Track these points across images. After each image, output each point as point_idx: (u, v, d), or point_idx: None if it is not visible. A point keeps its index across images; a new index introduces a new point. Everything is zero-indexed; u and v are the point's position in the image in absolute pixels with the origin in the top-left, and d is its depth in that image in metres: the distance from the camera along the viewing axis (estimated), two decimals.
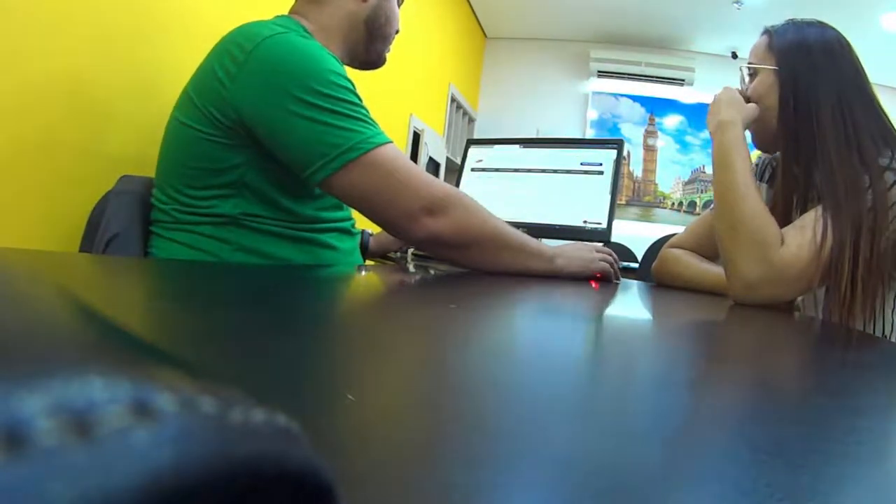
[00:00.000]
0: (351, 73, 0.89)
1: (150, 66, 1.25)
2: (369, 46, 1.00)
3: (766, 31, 0.97)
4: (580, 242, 1.01)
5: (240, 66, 0.79)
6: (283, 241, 0.86)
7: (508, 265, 0.88)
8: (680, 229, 1.24)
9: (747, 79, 0.97)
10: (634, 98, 4.71)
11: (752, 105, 0.91)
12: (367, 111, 0.83)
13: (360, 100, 0.82)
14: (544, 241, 0.98)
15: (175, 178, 0.85)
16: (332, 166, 0.78)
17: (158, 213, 0.87)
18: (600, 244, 1.06)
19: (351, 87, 0.82)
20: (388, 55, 1.05)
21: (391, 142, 0.82)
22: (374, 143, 0.79)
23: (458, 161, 1.44)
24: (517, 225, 1.00)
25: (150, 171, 0.96)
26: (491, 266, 0.87)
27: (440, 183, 0.86)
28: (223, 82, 0.80)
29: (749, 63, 0.97)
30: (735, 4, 3.70)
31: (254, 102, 0.79)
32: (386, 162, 0.80)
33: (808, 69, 0.89)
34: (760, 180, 1.08)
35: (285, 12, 0.98)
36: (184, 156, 0.85)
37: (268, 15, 0.96)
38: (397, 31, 1.04)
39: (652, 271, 1.13)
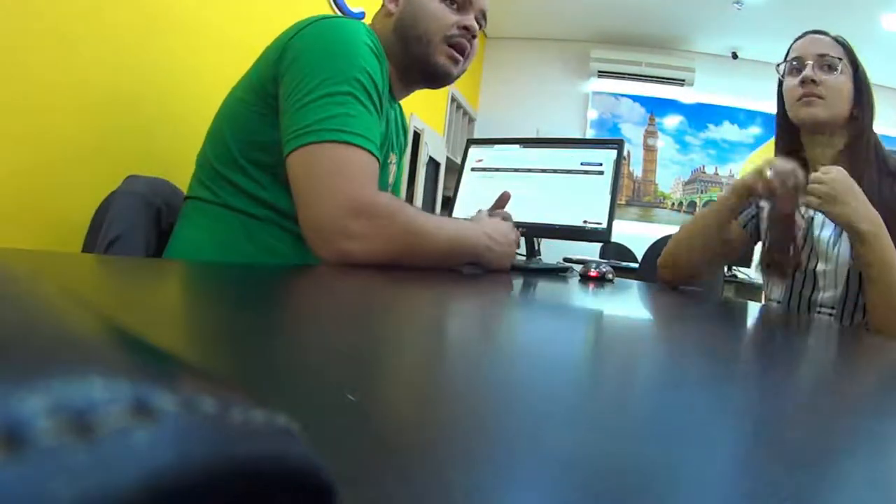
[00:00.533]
0: None
1: (155, 66, 1.25)
2: (409, 54, 0.92)
3: (838, 39, 1.03)
4: (504, 228, 0.94)
5: (289, 38, 0.82)
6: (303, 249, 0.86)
7: (436, 266, 0.84)
8: None
9: (827, 68, 1.00)
10: (634, 98, 4.71)
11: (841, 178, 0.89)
12: (370, 115, 0.78)
13: (368, 100, 0.79)
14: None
15: (220, 152, 0.86)
16: (295, 142, 0.74)
17: (200, 188, 0.88)
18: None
19: (367, 83, 0.79)
20: (451, 65, 0.93)
21: (365, 149, 0.75)
22: (340, 139, 0.73)
23: (458, 161, 1.44)
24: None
25: (156, 172, 0.96)
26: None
27: (371, 199, 0.74)
28: (277, 53, 0.82)
29: (837, 56, 1.00)
30: (735, 4, 3.70)
31: (285, 70, 0.80)
32: (339, 158, 0.73)
33: (869, 98, 1.01)
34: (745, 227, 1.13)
35: (286, 16, 0.98)
36: (229, 128, 0.86)
37: (271, 17, 0.96)
38: (457, 33, 0.92)
39: (659, 263, 1.13)
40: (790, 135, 1.07)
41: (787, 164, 0.93)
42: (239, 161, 0.85)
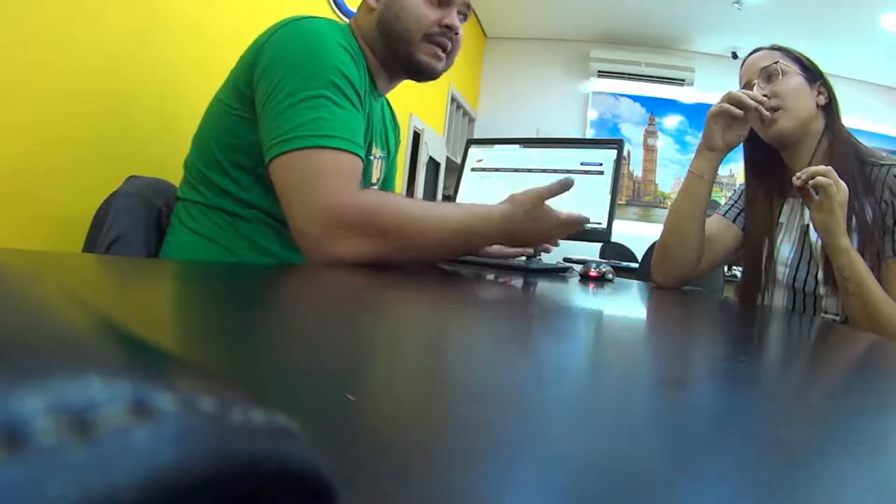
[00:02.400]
0: None
1: (156, 68, 1.25)
2: (392, 50, 0.91)
3: (775, 47, 1.04)
4: (541, 214, 0.85)
5: (263, 42, 0.82)
6: (291, 247, 0.87)
7: (441, 258, 0.84)
8: None
9: (769, 78, 1.01)
10: (634, 98, 4.71)
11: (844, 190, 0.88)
12: (347, 113, 0.78)
13: (344, 99, 0.78)
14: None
15: (204, 155, 0.87)
16: (272, 151, 0.75)
17: (189, 190, 0.88)
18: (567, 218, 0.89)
19: (341, 82, 0.79)
20: (435, 62, 0.92)
21: (342, 150, 0.75)
22: (316, 144, 0.73)
23: (458, 161, 1.44)
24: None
25: (156, 172, 0.97)
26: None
27: (351, 200, 0.74)
28: (252, 58, 0.82)
29: (775, 61, 1.01)
30: (735, 4, 3.70)
31: (259, 76, 0.80)
32: (313, 165, 0.73)
33: (825, 80, 1.01)
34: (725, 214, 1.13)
35: (283, 17, 0.98)
36: (211, 131, 0.87)
37: (272, 18, 0.96)
38: (438, 31, 0.91)
39: (652, 267, 1.12)
40: (762, 152, 1.06)
41: (738, 92, 0.96)
42: (221, 163, 0.86)
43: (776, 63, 1.00)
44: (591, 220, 0.93)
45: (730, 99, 0.97)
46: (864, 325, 0.89)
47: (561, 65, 4.73)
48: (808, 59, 1.03)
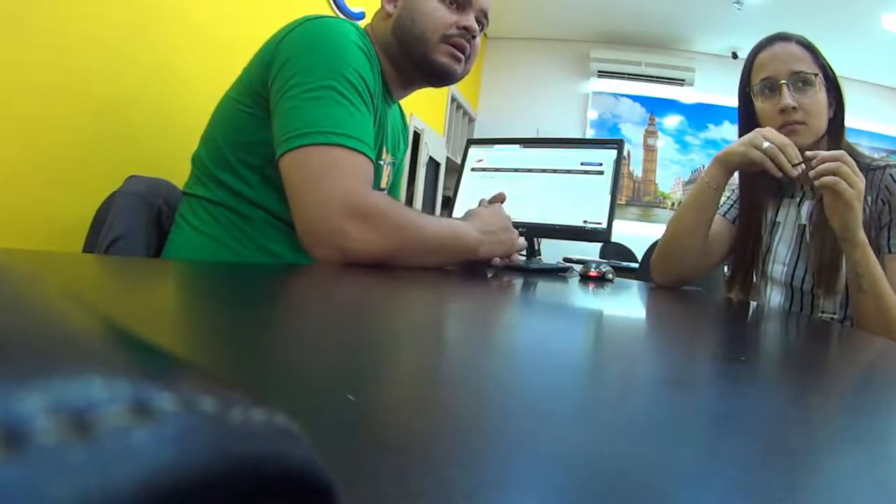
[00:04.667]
0: None
1: (156, 67, 1.25)
2: (409, 55, 0.91)
3: (803, 43, 0.97)
4: (493, 216, 0.95)
5: (280, 39, 0.82)
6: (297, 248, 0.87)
7: (433, 264, 0.85)
8: None
9: (800, 86, 0.95)
10: (634, 98, 4.71)
11: (858, 184, 0.84)
12: (360, 115, 0.79)
13: (358, 100, 0.79)
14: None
15: (212, 152, 0.87)
16: (289, 143, 0.75)
17: (196, 185, 0.88)
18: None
19: (357, 83, 0.79)
20: (453, 63, 0.92)
21: (356, 150, 0.75)
22: (331, 141, 0.73)
23: (459, 161, 1.44)
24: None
25: (156, 172, 0.97)
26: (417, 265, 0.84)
27: (363, 200, 0.74)
28: (268, 55, 0.83)
29: (811, 72, 0.95)
30: (735, 4, 3.70)
31: (275, 72, 0.80)
32: (331, 160, 0.73)
33: (839, 93, 0.98)
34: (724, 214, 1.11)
35: (285, 17, 0.98)
36: (221, 128, 0.87)
37: (270, 18, 0.96)
38: (455, 33, 0.91)
39: (652, 266, 1.12)
40: None
41: (781, 136, 0.90)
42: (230, 161, 0.86)
43: (816, 75, 0.95)
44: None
45: (777, 157, 0.88)
46: (873, 323, 0.88)
47: (561, 65, 4.73)
48: (829, 66, 0.97)
